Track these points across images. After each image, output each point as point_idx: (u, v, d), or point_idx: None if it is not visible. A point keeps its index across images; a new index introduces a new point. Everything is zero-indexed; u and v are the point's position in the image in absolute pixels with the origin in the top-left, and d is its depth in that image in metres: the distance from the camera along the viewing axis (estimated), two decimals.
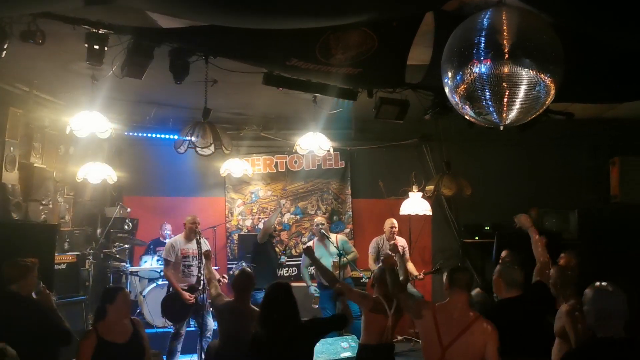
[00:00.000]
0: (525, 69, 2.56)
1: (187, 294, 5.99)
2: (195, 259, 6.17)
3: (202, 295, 5.94)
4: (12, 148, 6.09)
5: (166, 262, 6.18)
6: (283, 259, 7.73)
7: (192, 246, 6.20)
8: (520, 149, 7.69)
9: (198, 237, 6.10)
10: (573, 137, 7.46)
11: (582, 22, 3.50)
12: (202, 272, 6.02)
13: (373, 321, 4.12)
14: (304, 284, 7.02)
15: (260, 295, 4.66)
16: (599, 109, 6.74)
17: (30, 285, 3.90)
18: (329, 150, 6.22)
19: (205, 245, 6.24)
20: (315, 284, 6.90)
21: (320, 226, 6.87)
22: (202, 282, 5.95)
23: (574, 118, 6.07)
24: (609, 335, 2.61)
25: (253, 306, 4.29)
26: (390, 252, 4.46)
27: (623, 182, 7.41)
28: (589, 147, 7.74)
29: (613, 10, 3.15)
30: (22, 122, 6.30)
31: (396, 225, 7.02)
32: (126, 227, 8.00)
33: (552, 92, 2.69)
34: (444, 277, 3.58)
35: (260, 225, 8.30)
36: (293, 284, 7.70)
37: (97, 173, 6.33)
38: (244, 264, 6.84)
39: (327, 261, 6.73)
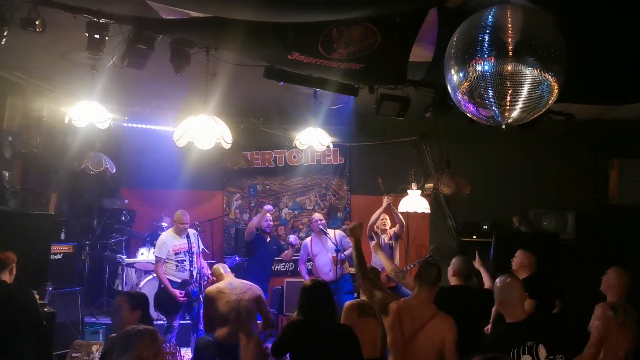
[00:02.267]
0: (529, 68, 2.54)
1: (177, 292, 5.97)
2: (187, 254, 6.13)
3: (195, 289, 5.93)
4: (10, 137, 6.05)
5: (157, 260, 6.09)
6: (285, 246, 7.58)
7: (183, 241, 6.16)
8: (519, 148, 7.67)
9: (189, 232, 6.06)
10: (572, 137, 7.44)
11: (585, 20, 3.48)
12: (194, 266, 6.01)
13: None
14: (301, 279, 7.03)
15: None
16: (599, 111, 6.73)
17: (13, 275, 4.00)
18: (328, 146, 6.20)
19: (196, 240, 6.20)
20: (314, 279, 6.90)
21: (318, 222, 6.86)
22: (198, 275, 5.93)
23: (574, 119, 6.07)
24: (512, 320, 3.12)
25: None
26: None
27: (621, 184, 7.42)
28: (588, 148, 7.72)
29: (615, 7, 3.13)
30: (21, 111, 6.26)
31: (386, 216, 7.02)
32: (123, 218, 7.98)
33: (555, 91, 2.67)
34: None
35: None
36: (289, 279, 7.78)
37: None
38: (237, 259, 6.81)
39: (325, 257, 6.73)
